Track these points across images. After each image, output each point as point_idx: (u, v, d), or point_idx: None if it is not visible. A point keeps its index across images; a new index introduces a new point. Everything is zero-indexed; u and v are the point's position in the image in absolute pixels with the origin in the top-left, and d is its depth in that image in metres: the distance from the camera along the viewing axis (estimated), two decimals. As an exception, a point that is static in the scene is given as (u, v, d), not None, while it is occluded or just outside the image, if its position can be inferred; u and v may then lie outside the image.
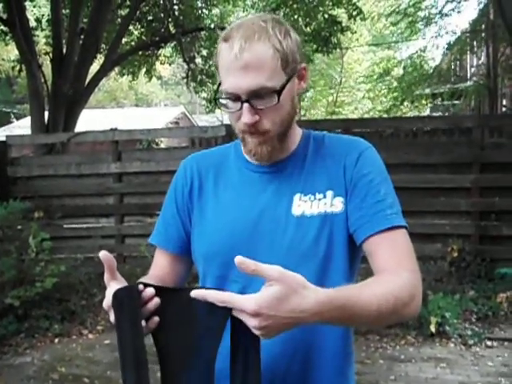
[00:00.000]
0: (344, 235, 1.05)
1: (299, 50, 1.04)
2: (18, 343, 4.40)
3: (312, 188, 1.08)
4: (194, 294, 0.84)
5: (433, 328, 4.16)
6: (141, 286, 0.87)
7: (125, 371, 0.88)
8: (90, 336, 4.62)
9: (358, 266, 1.12)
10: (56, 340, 4.51)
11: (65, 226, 6.17)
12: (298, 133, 1.15)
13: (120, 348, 0.90)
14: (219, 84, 1.04)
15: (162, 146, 12.86)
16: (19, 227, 5.16)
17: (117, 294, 0.86)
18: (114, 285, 0.90)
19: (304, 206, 1.06)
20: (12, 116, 19.84)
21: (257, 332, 0.81)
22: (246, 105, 0.99)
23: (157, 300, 0.91)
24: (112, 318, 0.90)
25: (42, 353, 4.24)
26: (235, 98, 1.00)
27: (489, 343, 4.13)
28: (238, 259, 0.81)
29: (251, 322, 0.80)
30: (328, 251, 1.05)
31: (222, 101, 1.05)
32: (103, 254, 0.89)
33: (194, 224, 1.14)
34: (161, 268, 1.18)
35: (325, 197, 1.07)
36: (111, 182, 6.07)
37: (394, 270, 0.97)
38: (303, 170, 1.10)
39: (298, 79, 1.06)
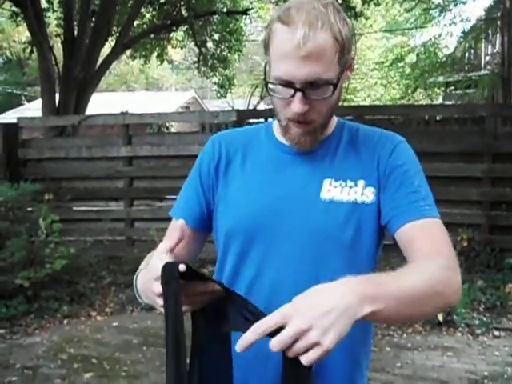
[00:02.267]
0: (373, 226, 1.04)
1: (352, 37, 1.02)
2: (28, 324, 4.45)
3: (343, 175, 1.06)
4: (237, 347, 0.78)
5: (440, 317, 4.15)
6: (182, 267, 0.82)
7: (167, 355, 0.84)
8: (99, 318, 4.66)
9: (377, 255, 1.11)
10: (65, 321, 4.56)
11: (74, 208, 6.21)
12: (333, 120, 1.13)
13: (166, 326, 0.86)
14: (266, 64, 1.02)
15: (173, 130, 12.86)
16: (29, 209, 5.20)
17: (165, 268, 0.83)
18: (165, 258, 0.87)
19: (334, 191, 1.04)
20: (23, 98, 19.88)
21: (314, 338, 0.73)
22: (299, 94, 0.96)
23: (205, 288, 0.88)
24: (157, 289, 0.87)
25: (51, 333, 4.29)
26: (287, 84, 0.97)
27: (496, 333, 4.12)
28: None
29: (294, 326, 0.74)
30: (355, 240, 1.03)
31: (271, 85, 1.00)
32: (182, 223, 0.92)
33: (218, 200, 1.12)
34: (174, 239, 1.15)
35: (356, 185, 1.05)
36: (121, 165, 6.08)
37: (430, 256, 0.95)
38: (335, 156, 1.09)
39: (346, 69, 1.03)
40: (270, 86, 1.01)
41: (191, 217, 1.14)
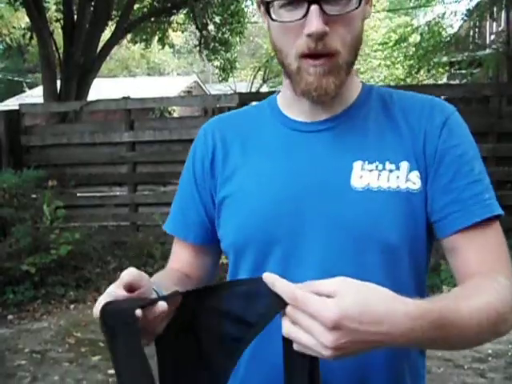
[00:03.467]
0: (421, 221, 0.81)
1: None
2: (35, 309, 4.49)
3: (380, 155, 0.82)
4: (265, 276, 0.64)
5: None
6: (138, 312, 0.62)
7: None
8: (105, 302, 4.69)
9: (428, 264, 0.88)
10: (71, 306, 4.60)
11: (78, 194, 6.21)
12: (357, 82, 0.88)
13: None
14: None
15: (175, 115, 12.81)
16: (33, 196, 5.22)
17: (106, 322, 0.64)
18: (118, 293, 0.68)
19: (369, 176, 0.80)
20: (24, 85, 19.82)
21: (327, 352, 0.59)
22: (314, 7, 0.73)
23: (164, 308, 0.66)
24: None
25: (58, 318, 4.33)
26: (297, 0, 0.74)
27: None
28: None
29: (326, 338, 0.58)
30: (398, 239, 0.79)
31: (272, 12, 0.77)
32: (130, 277, 0.69)
33: (219, 205, 0.89)
34: (181, 262, 0.94)
35: (398, 168, 0.81)
36: (124, 150, 6.07)
37: (487, 274, 0.76)
38: (367, 130, 0.84)
39: (365, 1, 0.80)
40: (271, 14, 0.77)
41: (191, 232, 0.92)
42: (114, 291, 0.69)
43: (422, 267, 0.84)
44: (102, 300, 0.67)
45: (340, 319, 0.57)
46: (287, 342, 0.63)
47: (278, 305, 0.62)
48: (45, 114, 7.34)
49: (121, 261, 5.54)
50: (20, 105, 6.54)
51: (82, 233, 5.17)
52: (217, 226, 0.90)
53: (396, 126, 0.84)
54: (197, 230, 0.92)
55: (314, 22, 0.73)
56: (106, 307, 0.65)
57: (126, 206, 6.13)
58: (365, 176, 0.80)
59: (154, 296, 0.70)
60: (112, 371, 3.32)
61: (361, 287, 0.61)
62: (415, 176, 0.80)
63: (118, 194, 6.21)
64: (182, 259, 0.94)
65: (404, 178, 0.80)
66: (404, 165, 0.81)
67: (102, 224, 5.94)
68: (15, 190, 5.02)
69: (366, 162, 0.81)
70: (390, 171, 0.81)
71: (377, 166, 0.81)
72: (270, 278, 0.63)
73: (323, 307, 0.58)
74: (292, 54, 0.77)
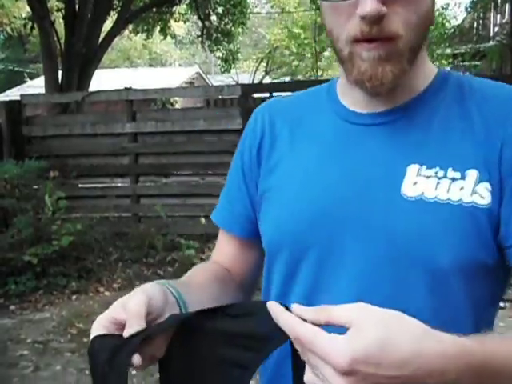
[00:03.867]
0: (486, 244, 0.66)
1: None
2: (37, 299, 4.50)
3: (443, 159, 0.68)
4: (269, 305, 0.56)
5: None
6: (136, 360, 0.59)
7: None
8: (107, 293, 4.70)
9: (498, 299, 0.73)
10: (73, 297, 4.60)
11: (80, 185, 6.21)
12: (429, 68, 0.74)
13: None
14: None
15: (177, 107, 12.78)
16: (35, 186, 5.21)
17: (94, 357, 0.59)
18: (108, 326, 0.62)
19: (424, 184, 0.67)
20: (25, 75, 19.78)
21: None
22: None
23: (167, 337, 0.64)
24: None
25: (60, 309, 4.34)
26: None
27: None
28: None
29: (336, 382, 0.49)
30: (450, 262, 0.65)
31: None
32: (141, 304, 0.63)
33: (260, 197, 0.81)
34: (225, 255, 0.88)
35: (463, 177, 0.66)
36: (126, 141, 6.05)
37: None
38: (431, 127, 0.70)
39: None
40: None
41: (237, 224, 0.85)
42: (108, 324, 0.63)
43: (484, 299, 0.69)
44: (95, 330, 0.62)
45: (353, 364, 0.47)
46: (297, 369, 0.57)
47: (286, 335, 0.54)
48: (46, 105, 7.33)
49: (122, 252, 5.55)
50: (21, 95, 6.52)
51: (84, 224, 5.17)
52: (258, 220, 0.82)
53: (468, 125, 0.69)
54: (243, 222, 0.85)
55: (369, 1, 0.61)
56: (95, 344, 0.60)
57: (128, 197, 6.12)
58: (420, 183, 0.67)
59: (174, 310, 0.64)
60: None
61: (383, 318, 0.50)
62: (484, 188, 0.65)
63: (119, 185, 6.21)
64: (225, 252, 0.88)
65: (470, 190, 0.65)
66: (472, 174, 0.66)
67: (104, 215, 5.93)
68: (17, 180, 5.02)
69: (424, 167, 0.68)
70: (453, 180, 0.66)
71: (436, 173, 0.67)
72: (274, 309, 0.55)
73: (333, 349, 0.48)
74: (343, 37, 0.66)
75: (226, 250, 0.88)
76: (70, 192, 5.67)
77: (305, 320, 0.52)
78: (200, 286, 0.75)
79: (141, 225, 5.82)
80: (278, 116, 0.82)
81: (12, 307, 4.34)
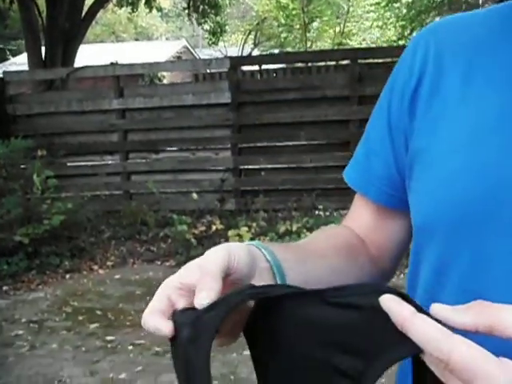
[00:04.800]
0: None
1: None
2: (30, 279, 4.48)
3: None
4: (382, 299, 0.38)
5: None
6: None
7: None
8: (101, 271, 4.69)
9: None
10: (67, 276, 4.59)
11: (68, 164, 6.14)
12: None
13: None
14: None
15: (165, 82, 12.61)
16: (22, 166, 5.14)
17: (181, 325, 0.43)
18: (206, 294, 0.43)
19: None
20: (7, 53, 19.36)
21: None
22: None
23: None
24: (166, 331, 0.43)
25: (53, 288, 4.32)
26: None
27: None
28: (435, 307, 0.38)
29: None
30: None
31: None
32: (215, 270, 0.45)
33: (411, 159, 0.59)
34: (358, 222, 0.70)
35: None
36: (114, 118, 5.96)
37: None
38: None
39: None
40: None
41: (374, 186, 0.66)
42: (173, 292, 0.46)
43: None
44: (156, 301, 0.46)
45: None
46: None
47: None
48: (30, 82, 7.18)
49: (115, 229, 5.52)
50: (4, 73, 6.38)
51: (75, 203, 5.13)
52: (407, 187, 0.61)
53: None
54: (382, 185, 0.65)
55: None
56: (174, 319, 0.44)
57: (118, 175, 6.07)
58: None
59: (265, 279, 0.51)
60: (110, 337, 3.34)
61: None
62: None
63: (109, 162, 6.15)
64: (359, 218, 0.70)
65: None
66: None
67: (95, 193, 5.89)
68: (3, 160, 4.94)
69: None
70: None
71: None
72: (395, 309, 0.37)
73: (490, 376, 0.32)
74: None
75: (359, 216, 0.70)
76: (59, 171, 5.60)
77: (450, 328, 0.36)
78: (316, 252, 0.60)
79: (132, 202, 5.79)
80: (447, 44, 0.58)
81: (5, 288, 4.32)
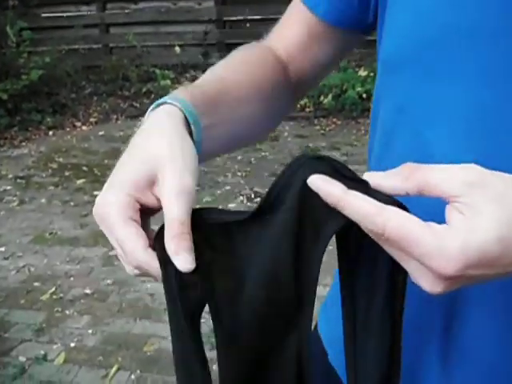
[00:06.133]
0: None
1: None
2: (13, 136, 4.45)
3: None
4: (311, 181, 0.36)
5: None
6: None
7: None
8: (84, 128, 4.66)
9: None
10: (50, 132, 4.56)
11: (43, 15, 5.76)
12: None
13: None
14: None
15: None
16: (-7, 15, 4.83)
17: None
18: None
19: None
20: None
21: (432, 292, 0.35)
22: None
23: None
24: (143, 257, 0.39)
25: (37, 145, 4.32)
26: None
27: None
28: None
29: (434, 287, 0.35)
30: None
31: None
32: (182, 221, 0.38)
33: None
34: (289, 39, 0.60)
35: None
36: (87, -38, 5.48)
37: None
38: None
39: None
40: None
41: (327, 2, 0.56)
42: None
43: None
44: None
45: (462, 271, 0.33)
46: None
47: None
48: None
49: (96, 85, 5.37)
50: None
51: (52, 56, 4.91)
52: (379, 15, 0.53)
53: None
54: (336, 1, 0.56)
55: None
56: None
57: (96, 27, 5.74)
58: None
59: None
60: (98, 192, 3.42)
61: (505, 194, 0.33)
62: None
63: (85, 13, 5.77)
64: (291, 36, 0.60)
65: None
66: None
67: (73, 47, 5.61)
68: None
69: None
70: None
71: None
72: (320, 185, 0.36)
73: (440, 255, 0.33)
74: None
75: (292, 34, 0.60)
76: (34, 23, 5.28)
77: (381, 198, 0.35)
78: (232, 95, 0.52)
79: (113, 56, 5.56)
80: None
81: (-12, 144, 4.31)
